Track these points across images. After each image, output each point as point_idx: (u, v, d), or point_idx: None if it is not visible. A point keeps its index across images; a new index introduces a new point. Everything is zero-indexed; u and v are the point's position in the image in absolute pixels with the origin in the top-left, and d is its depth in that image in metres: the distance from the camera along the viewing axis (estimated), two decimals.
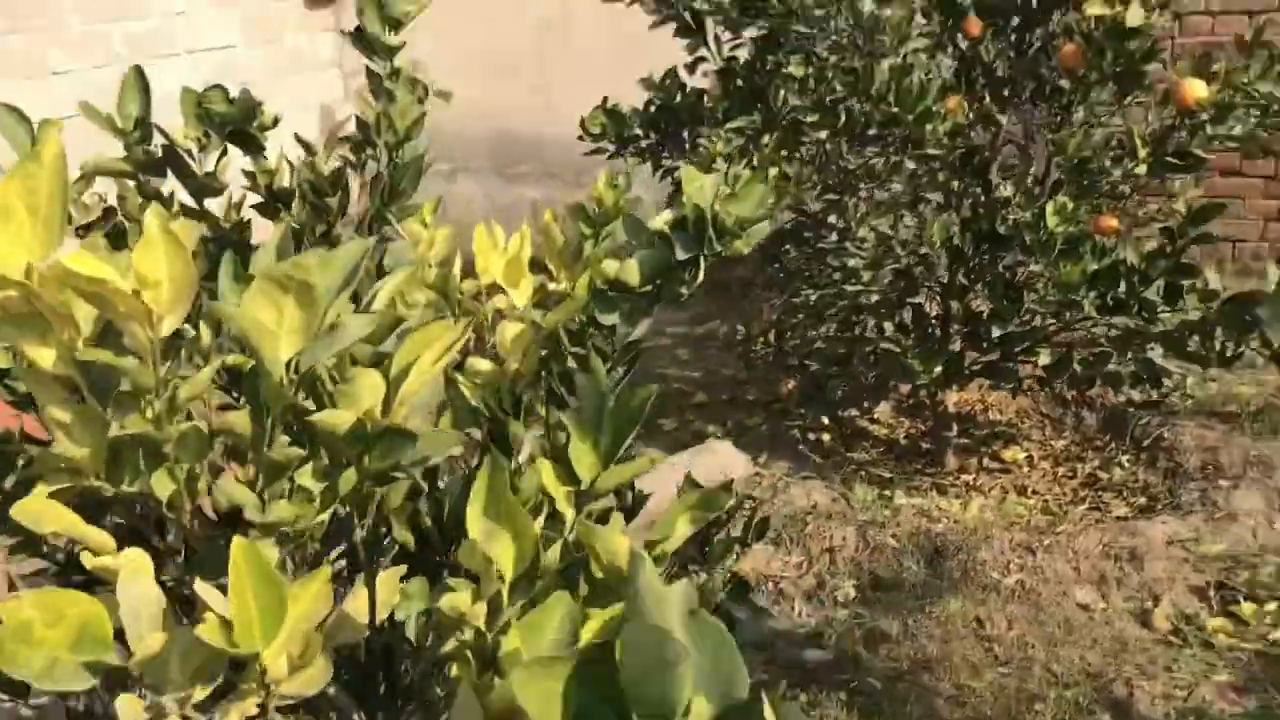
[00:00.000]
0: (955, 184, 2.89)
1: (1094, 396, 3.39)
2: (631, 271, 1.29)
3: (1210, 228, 2.44)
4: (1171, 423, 3.32)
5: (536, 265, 1.63)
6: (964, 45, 3.06)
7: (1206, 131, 2.57)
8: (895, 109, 2.31)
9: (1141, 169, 2.55)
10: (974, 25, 3.01)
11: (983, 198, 2.98)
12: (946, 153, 2.45)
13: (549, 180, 5.80)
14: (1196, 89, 2.56)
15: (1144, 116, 2.71)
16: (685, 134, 2.94)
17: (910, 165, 2.47)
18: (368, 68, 1.60)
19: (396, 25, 1.54)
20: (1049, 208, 2.55)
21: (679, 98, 3.02)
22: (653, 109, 2.95)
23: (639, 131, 2.93)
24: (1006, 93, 3.04)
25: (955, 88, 2.95)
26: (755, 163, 2.35)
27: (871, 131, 2.33)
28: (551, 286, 1.63)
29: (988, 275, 2.89)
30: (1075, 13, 2.68)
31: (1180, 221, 2.46)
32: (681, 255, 1.29)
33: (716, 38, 3.14)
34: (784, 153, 2.45)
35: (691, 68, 3.17)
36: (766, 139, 2.43)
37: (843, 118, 2.44)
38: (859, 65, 2.43)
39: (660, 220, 1.33)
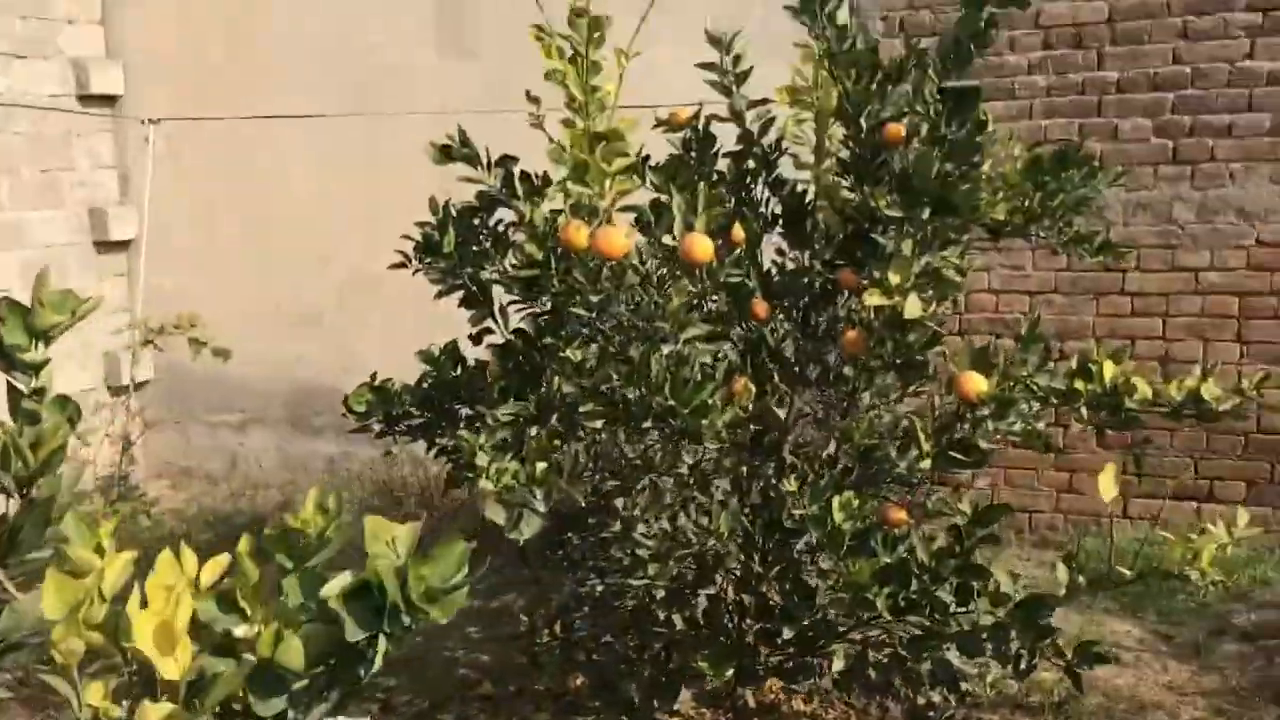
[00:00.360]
0: (743, 469, 2.77)
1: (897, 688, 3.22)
2: (292, 653, 1.04)
3: (995, 529, 2.36)
4: (975, 716, 3.18)
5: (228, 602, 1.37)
6: (751, 328, 3.02)
7: (988, 426, 2.54)
8: (671, 401, 2.17)
9: (925, 463, 2.48)
10: (761, 308, 2.97)
11: (774, 481, 2.87)
12: (726, 445, 2.32)
13: (347, 436, 5.54)
14: (976, 383, 2.54)
15: (930, 404, 2.67)
16: (462, 412, 2.75)
17: (688, 460, 2.34)
18: (9, 383, 1.33)
19: (45, 338, 1.28)
20: (835, 503, 2.43)
21: (459, 371, 2.85)
22: (426, 384, 2.76)
23: (412, 409, 2.72)
24: (796, 372, 3.00)
25: (742, 369, 2.88)
26: (524, 455, 2.16)
27: (646, 424, 2.19)
28: (239, 631, 1.36)
29: (779, 567, 2.74)
30: (857, 299, 2.67)
31: (966, 521, 2.37)
32: (354, 634, 1.05)
33: (503, 308, 3.02)
34: (558, 442, 2.27)
35: (477, 339, 3.02)
36: (536, 431, 2.27)
37: (620, 406, 2.29)
38: (636, 352, 2.31)
39: (334, 586, 1.09)
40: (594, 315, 2.43)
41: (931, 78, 2.60)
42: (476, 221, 3.06)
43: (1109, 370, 2.80)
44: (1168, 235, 4.24)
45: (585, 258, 2.44)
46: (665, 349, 2.37)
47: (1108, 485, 2.15)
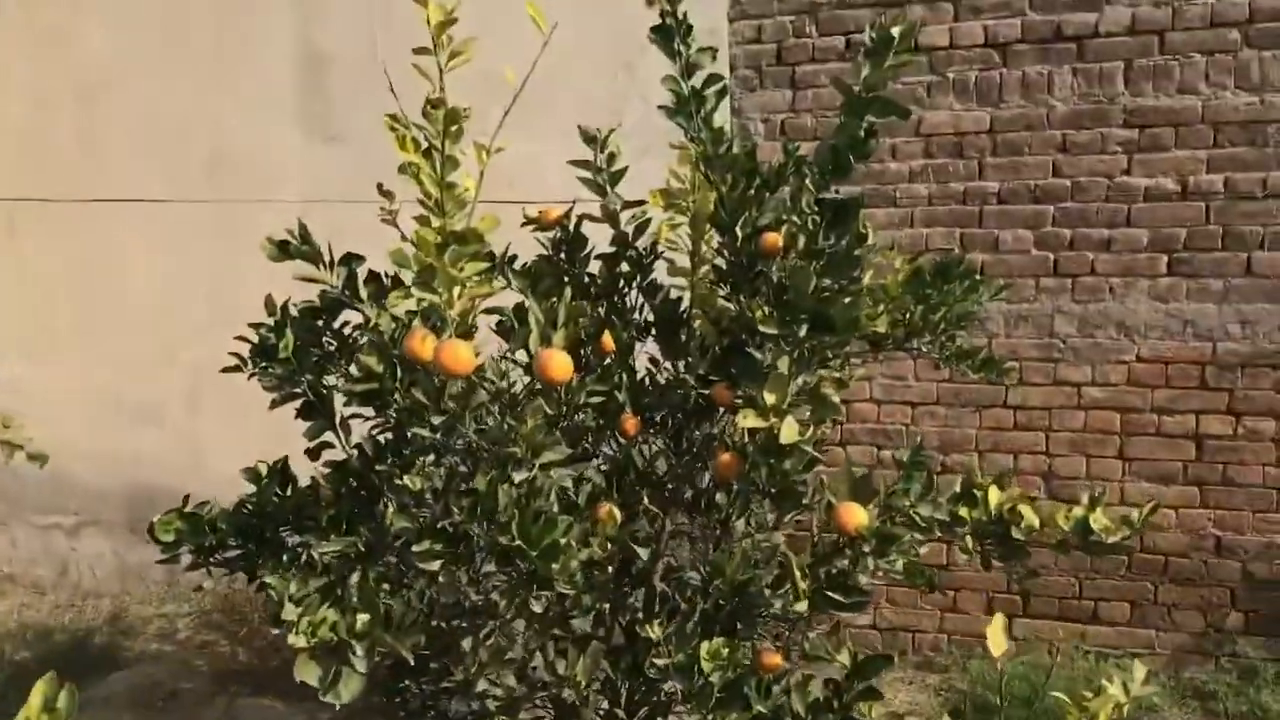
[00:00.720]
0: (606, 605, 2.51)
1: None
2: None
3: (875, 682, 2.14)
4: None
5: None
6: (619, 445, 2.80)
7: (868, 564, 2.33)
8: (518, 541, 1.91)
9: (801, 605, 2.25)
10: (630, 424, 2.75)
11: (640, 617, 2.62)
12: (580, 589, 2.06)
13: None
14: (856, 515, 2.33)
15: (810, 534, 2.46)
16: (290, 540, 2.44)
17: (537, 608, 2.07)
18: None
19: None
20: (703, 650, 2.19)
21: (290, 492, 2.54)
22: (246, 510, 2.44)
23: (229, 540, 2.40)
24: (668, 495, 2.77)
25: (608, 493, 2.64)
26: (345, 603, 1.87)
27: (488, 569, 1.92)
28: None
29: (645, 711, 2.47)
30: (732, 417, 2.46)
31: (844, 673, 2.15)
32: None
33: (344, 421, 2.73)
34: (387, 586, 1.98)
35: (314, 454, 2.72)
36: (360, 574, 1.98)
37: (462, 545, 2.02)
38: (483, 482, 2.05)
39: None
40: (439, 437, 2.16)
41: (809, 187, 2.44)
42: (320, 323, 2.80)
43: (994, 497, 2.63)
44: (1049, 348, 4.17)
45: (432, 372, 2.18)
46: (518, 476, 2.12)
47: (998, 640, 1.95)
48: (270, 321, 2.78)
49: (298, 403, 2.74)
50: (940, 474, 4.16)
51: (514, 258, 2.88)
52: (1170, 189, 3.98)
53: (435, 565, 1.97)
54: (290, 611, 1.81)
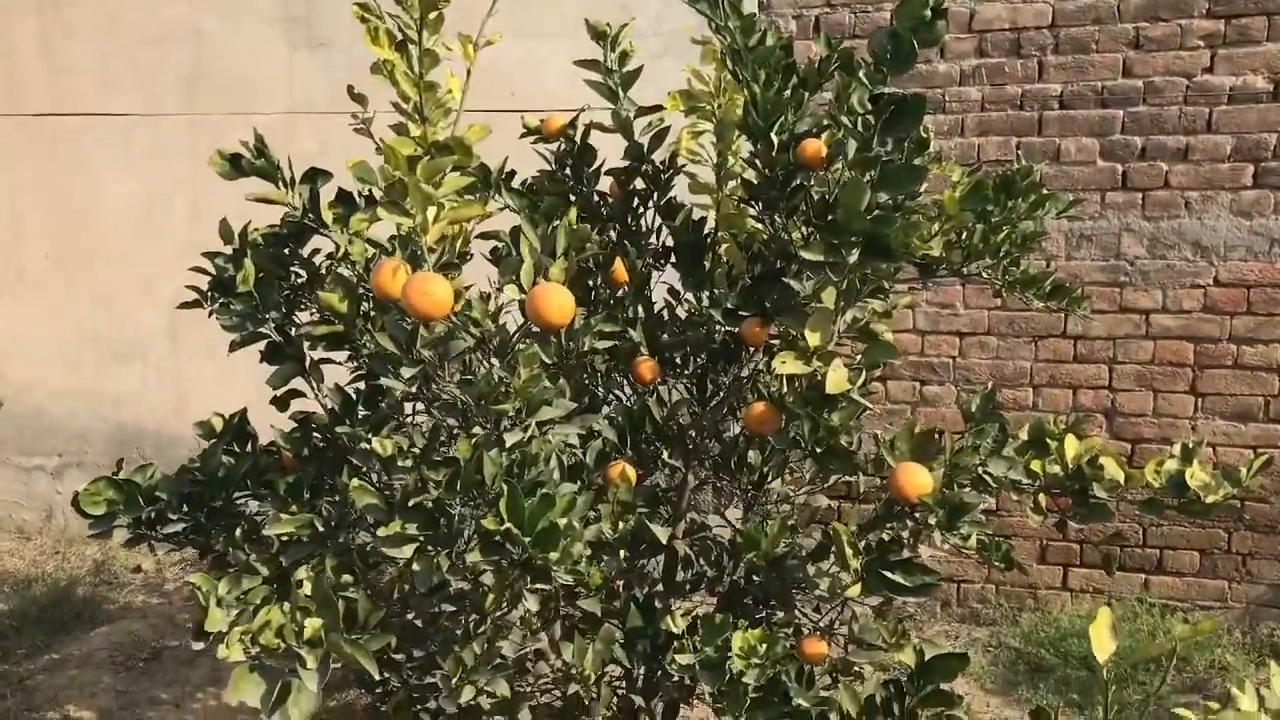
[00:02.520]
0: (619, 581, 2.15)
1: None
2: None
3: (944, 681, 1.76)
4: None
5: None
6: (635, 391, 2.42)
7: (935, 538, 1.95)
8: (507, 524, 1.53)
9: (854, 590, 1.88)
10: (646, 368, 2.36)
11: (661, 589, 2.26)
12: (580, 582, 1.68)
13: None
14: (918, 479, 1.95)
15: (851, 494, 2.08)
16: (250, 507, 2.07)
17: (533, 604, 1.70)
18: None
19: None
20: (736, 643, 1.82)
21: (250, 449, 2.17)
22: (194, 475, 2.06)
23: (170, 512, 2.02)
24: (690, 448, 2.39)
25: (620, 449, 2.26)
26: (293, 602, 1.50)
27: (475, 558, 1.54)
28: None
29: (666, 702, 2.12)
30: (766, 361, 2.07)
31: (909, 672, 1.77)
32: None
33: (316, 365, 2.36)
34: (349, 578, 1.61)
35: (282, 404, 2.35)
36: (315, 564, 1.60)
37: (442, 524, 1.64)
38: (466, 448, 1.66)
39: None
40: (414, 390, 1.78)
41: (862, 81, 2.01)
42: (287, 252, 2.41)
43: (1071, 447, 2.25)
44: (1115, 271, 3.73)
45: (404, 313, 1.79)
46: (510, 439, 1.73)
47: (1103, 641, 1.58)
48: (228, 250, 2.40)
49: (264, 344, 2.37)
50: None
51: (511, 174, 2.48)
52: (1259, 88, 3.51)
53: (407, 552, 1.59)
54: (218, 619, 1.44)
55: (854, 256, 2.00)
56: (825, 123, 2.19)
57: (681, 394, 2.41)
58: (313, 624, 1.49)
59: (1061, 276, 2.91)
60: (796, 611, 2.14)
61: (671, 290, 2.58)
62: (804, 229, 2.26)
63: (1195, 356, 3.69)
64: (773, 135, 2.18)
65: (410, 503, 1.62)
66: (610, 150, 2.60)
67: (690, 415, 2.37)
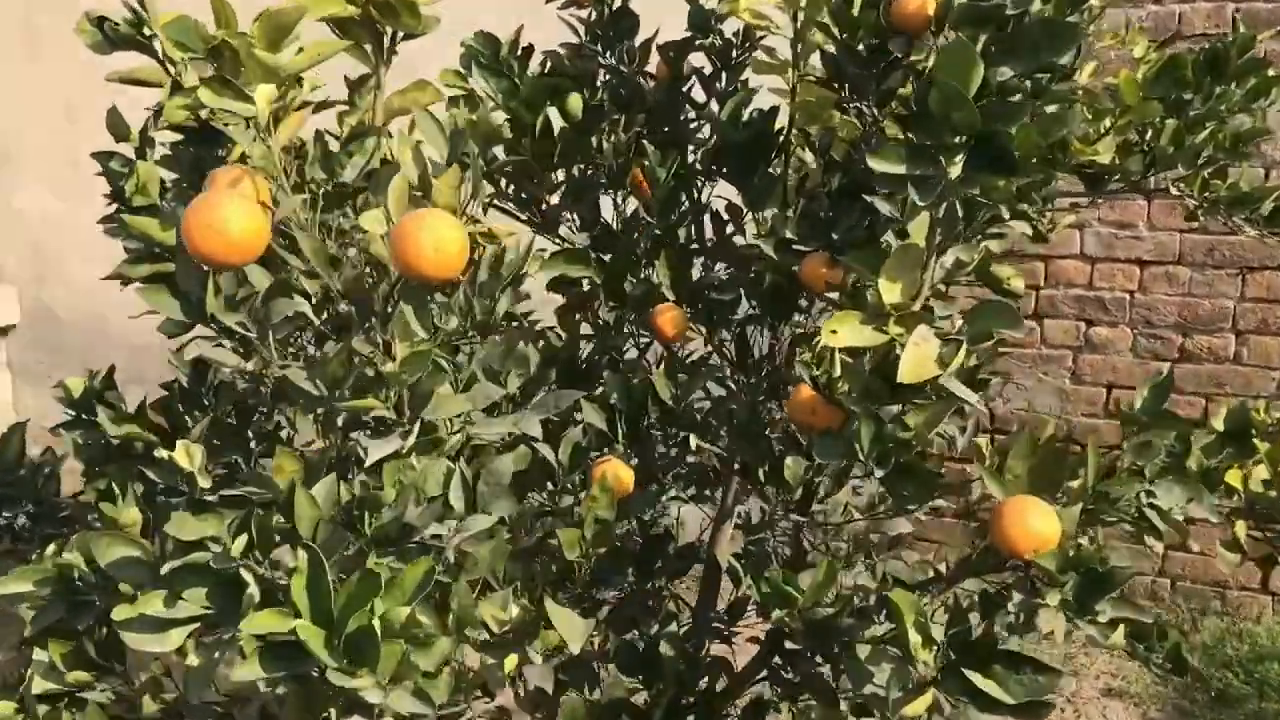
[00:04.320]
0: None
1: None
2: None
3: None
4: None
5: None
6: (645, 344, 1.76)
7: (1054, 608, 1.23)
8: (301, 620, 0.91)
9: (922, 702, 1.18)
10: (669, 319, 1.69)
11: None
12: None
13: None
14: (1032, 524, 1.23)
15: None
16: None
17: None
18: None
19: None
20: None
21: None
22: None
23: None
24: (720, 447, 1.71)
25: (612, 439, 1.61)
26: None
27: (248, 671, 0.93)
28: None
29: None
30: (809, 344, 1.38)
31: None
32: None
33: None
34: (83, 675, 1.03)
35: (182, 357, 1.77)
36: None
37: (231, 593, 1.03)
38: (282, 482, 1.04)
39: None
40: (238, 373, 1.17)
41: None
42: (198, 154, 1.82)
43: None
44: None
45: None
46: (377, 450, 1.10)
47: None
48: (122, 151, 1.83)
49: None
50: (1177, 362, 2.94)
51: (529, 49, 1.79)
52: None
53: (173, 640, 1.00)
54: None
55: (956, 167, 1.27)
56: None
57: (720, 360, 1.73)
58: None
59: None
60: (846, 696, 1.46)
61: (731, 208, 1.89)
62: (897, 123, 1.53)
63: None
64: None
65: (184, 560, 1.02)
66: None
67: (726, 390, 1.69)
